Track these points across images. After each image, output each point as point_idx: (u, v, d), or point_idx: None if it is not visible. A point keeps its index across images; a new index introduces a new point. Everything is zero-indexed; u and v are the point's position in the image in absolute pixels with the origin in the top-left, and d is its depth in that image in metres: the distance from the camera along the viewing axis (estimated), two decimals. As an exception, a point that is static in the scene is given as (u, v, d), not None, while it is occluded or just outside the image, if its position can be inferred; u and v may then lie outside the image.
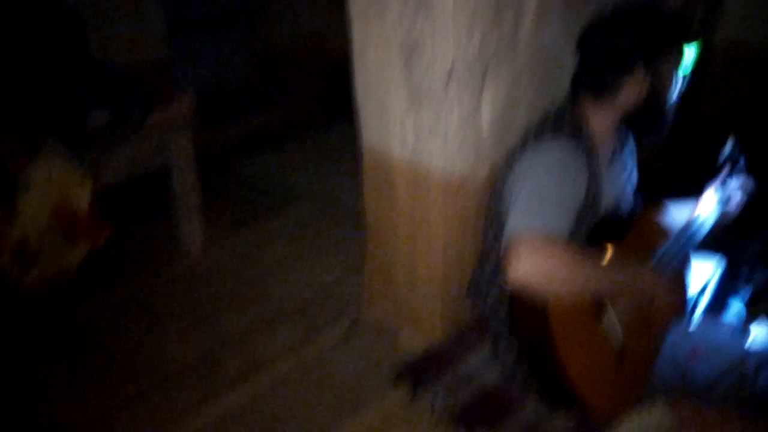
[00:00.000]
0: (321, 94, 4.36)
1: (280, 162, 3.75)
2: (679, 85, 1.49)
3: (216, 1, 4.42)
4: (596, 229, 1.47)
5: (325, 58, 4.27)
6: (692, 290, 1.68)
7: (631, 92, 1.45)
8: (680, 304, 1.58)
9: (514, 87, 1.74)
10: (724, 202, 1.67)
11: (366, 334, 2.12)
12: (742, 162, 1.73)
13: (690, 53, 1.46)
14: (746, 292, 1.90)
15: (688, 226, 1.54)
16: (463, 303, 1.91)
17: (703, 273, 1.77)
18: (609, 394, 1.40)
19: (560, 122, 1.48)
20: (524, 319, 1.36)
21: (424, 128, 1.67)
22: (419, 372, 1.76)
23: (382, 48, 1.66)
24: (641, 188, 1.77)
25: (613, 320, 1.39)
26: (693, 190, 1.74)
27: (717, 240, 2.52)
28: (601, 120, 1.50)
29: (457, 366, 1.80)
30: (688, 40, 1.45)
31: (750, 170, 1.75)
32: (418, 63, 1.59)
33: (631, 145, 1.70)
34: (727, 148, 1.73)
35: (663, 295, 1.41)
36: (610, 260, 1.37)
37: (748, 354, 1.48)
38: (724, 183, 1.70)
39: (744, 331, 1.70)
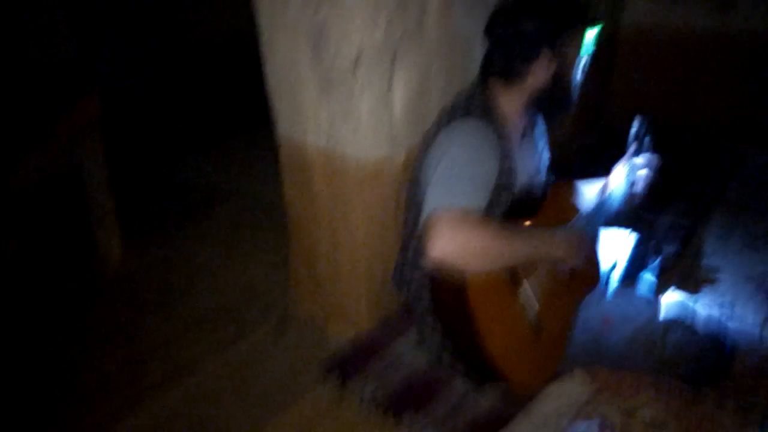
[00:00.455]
0: (247, 93, 4.28)
1: (205, 164, 3.65)
2: (582, 66, 1.54)
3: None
4: (511, 206, 1.50)
5: (250, 56, 4.18)
6: (605, 263, 1.74)
7: (538, 75, 1.48)
8: (593, 275, 1.64)
9: (425, 72, 1.75)
10: (632, 178, 1.74)
11: (294, 330, 2.09)
12: (648, 140, 1.81)
13: (591, 34, 1.51)
14: (656, 263, 1.99)
15: (597, 201, 1.59)
16: (388, 291, 1.91)
17: (615, 246, 1.85)
18: (529, 366, 1.43)
19: (471, 105, 1.50)
20: (444, 298, 1.37)
21: (336, 116, 1.66)
22: (347, 363, 1.76)
23: (289, 35, 1.64)
24: (555, 168, 1.82)
25: (528, 293, 1.42)
26: (604, 169, 1.80)
27: (628, 215, 2.65)
28: (510, 102, 1.53)
29: (385, 354, 1.80)
30: (590, 22, 1.50)
31: (657, 148, 1.83)
32: (325, 49, 1.57)
33: (540, 126, 1.75)
34: (634, 127, 1.80)
35: (577, 255, 1.45)
36: (526, 228, 1.40)
37: (656, 320, 1.55)
38: (631, 160, 1.77)
39: (654, 300, 1.79)
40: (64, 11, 3.15)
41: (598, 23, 1.51)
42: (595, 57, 3.00)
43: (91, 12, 3.91)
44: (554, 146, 3.18)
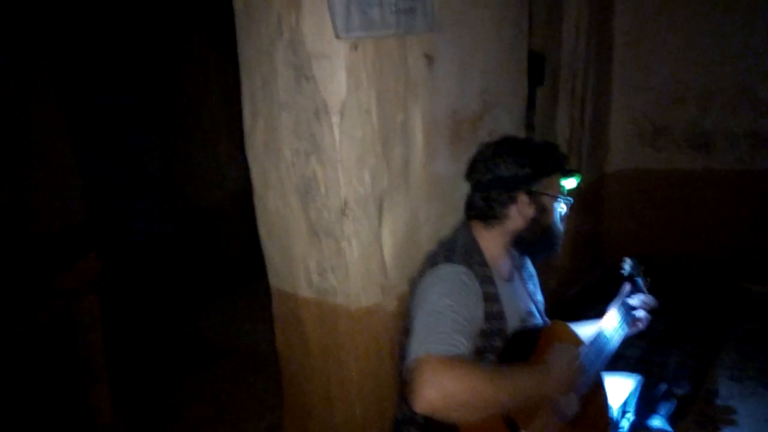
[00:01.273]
0: (247, 251, 4.37)
1: (204, 319, 3.63)
2: (562, 212, 1.59)
3: (140, 167, 4.52)
4: (504, 351, 1.45)
5: (251, 215, 4.34)
6: (613, 407, 1.65)
7: (516, 218, 1.53)
8: (602, 423, 1.54)
9: (412, 218, 1.80)
10: (627, 320, 1.70)
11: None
12: (641, 281, 1.80)
13: (571, 183, 1.58)
14: (669, 408, 1.88)
15: (590, 343, 1.54)
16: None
17: (622, 391, 1.76)
18: None
19: (453, 249, 1.52)
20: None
21: (325, 266, 1.67)
22: None
23: (279, 190, 1.71)
24: (554, 310, 1.79)
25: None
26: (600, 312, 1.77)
27: (634, 359, 2.56)
28: (492, 244, 1.56)
29: None
30: (565, 169, 1.57)
31: (652, 289, 1.81)
32: (313, 203, 1.63)
33: (529, 268, 1.76)
34: (624, 268, 1.81)
35: (568, 386, 1.36)
36: (512, 370, 1.33)
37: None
38: (624, 301, 1.74)
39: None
40: (78, 177, 3.33)
41: (575, 174, 1.58)
42: (586, 200, 3.11)
43: (108, 179, 4.13)
44: (554, 287, 3.19)
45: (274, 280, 1.85)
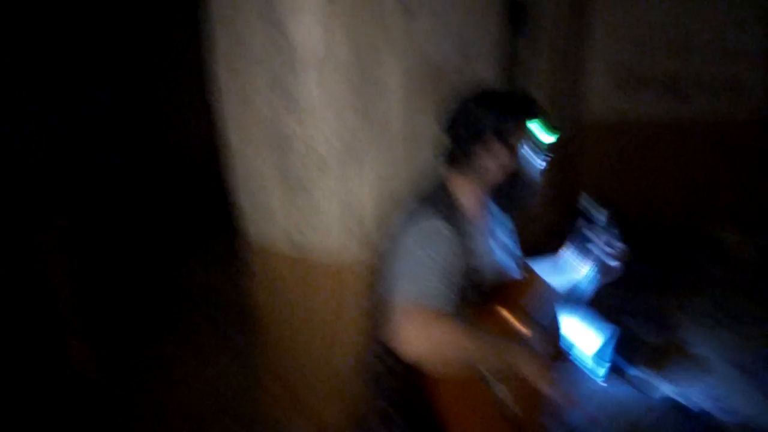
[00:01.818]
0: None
1: (180, 270, 3.64)
2: (539, 164, 1.59)
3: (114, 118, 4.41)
4: (482, 298, 1.48)
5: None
6: (586, 354, 1.70)
7: (492, 166, 1.52)
8: (555, 357, 1.59)
9: (392, 173, 1.80)
10: (597, 268, 1.73)
11: (261, 430, 1.99)
12: (615, 231, 1.82)
13: (548, 138, 1.57)
14: (643, 353, 1.95)
15: (560, 293, 1.58)
16: (360, 391, 1.84)
17: (596, 338, 1.81)
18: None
19: (431, 199, 1.52)
20: (416, 397, 1.32)
21: (305, 220, 1.67)
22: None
23: (255, 146, 1.69)
24: (528, 257, 1.82)
25: (504, 389, 1.37)
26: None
27: (608, 307, 2.63)
28: (469, 194, 1.56)
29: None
30: (542, 122, 1.57)
31: (623, 238, 1.84)
32: (290, 158, 1.62)
33: (506, 220, 1.77)
34: (594, 213, 1.83)
35: (538, 374, 1.40)
36: (493, 338, 1.36)
37: (642, 414, 1.49)
38: (583, 235, 1.77)
39: (641, 395, 1.73)
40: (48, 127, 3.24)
41: (553, 128, 1.58)
42: (565, 149, 3.11)
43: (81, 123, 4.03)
44: (530, 233, 3.23)
45: (252, 234, 1.85)
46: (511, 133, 1.50)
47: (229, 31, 1.62)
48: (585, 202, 1.78)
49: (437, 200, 1.53)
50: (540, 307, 1.51)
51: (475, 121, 1.50)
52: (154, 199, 4.51)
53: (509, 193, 1.55)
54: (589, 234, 1.77)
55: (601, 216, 1.82)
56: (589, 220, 1.78)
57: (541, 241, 3.37)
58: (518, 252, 1.79)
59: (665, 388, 1.96)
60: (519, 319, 1.47)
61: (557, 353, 1.60)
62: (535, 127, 1.55)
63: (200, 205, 4.42)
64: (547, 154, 1.59)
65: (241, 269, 1.95)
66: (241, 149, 1.75)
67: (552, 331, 1.58)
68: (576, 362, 1.63)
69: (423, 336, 1.22)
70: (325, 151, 1.57)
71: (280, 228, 1.74)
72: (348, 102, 1.60)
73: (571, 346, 1.64)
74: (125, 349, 2.69)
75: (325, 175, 1.59)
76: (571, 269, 1.67)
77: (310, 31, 1.47)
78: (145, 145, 4.57)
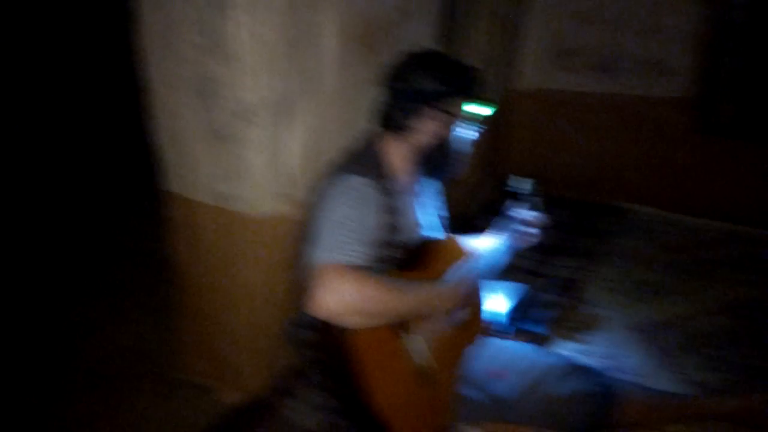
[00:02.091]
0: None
1: (108, 221, 3.49)
2: (471, 133, 1.60)
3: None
4: (400, 261, 1.50)
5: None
6: (496, 313, 1.77)
7: (424, 132, 1.53)
8: (479, 325, 1.66)
9: (322, 126, 1.77)
10: (513, 232, 1.80)
11: (182, 394, 1.96)
12: (538, 200, 1.89)
13: (485, 111, 1.58)
14: (546, 314, 2.05)
15: (477, 255, 1.63)
16: (282, 349, 1.85)
17: (506, 299, 1.89)
18: (418, 419, 1.40)
19: (361, 158, 1.51)
20: (329, 354, 1.33)
21: (229, 170, 1.62)
22: (235, 429, 1.66)
23: (178, 90, 1.60)
24: (456, 224, 1.86)
25: (417, 344, 1.41)
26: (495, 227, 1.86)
27: (524, 270, 2.74)
28: (399, 156, 1.56)
29: (275, 418, 1.73)
30: (476, 91, 1.58)
31: (544, 207, 1.91)
32: (216, 104, 1.55)
33: (433, 184, 1.79)
34: (519, 185, 1.88)
35: (456, 305, 1.46)
36: (409, 282, 1.39)
37: (542, 370, 1.57)
38: (510, 217, 1.83)
39: (544, 351, 1.83)
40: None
41: (491, 104, 1.59)
42: (494, 117, 3.15)
43: None
44: (459, 202, 3.29)
45: (171, 185, 1.78)
46: (451, 102, 1.50)
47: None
48: (512, 182, 1.83)
49: (365, 158, 1.52)
50: (459, 270, 1.55)
51: (416, 85, 1.49)
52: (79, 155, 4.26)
53: (438, 159, 1.56)
54: (513, 209, 1.83)
55: (525, 185, 1.87)
56: (515, 199, 1.83)
57: (467, 204, 3.48)
58: (444, 215, 1.81)
59: (568, 347, 2.08)
60: (438, 281, 1.51)
61: (477, 320, 1.66)
62: (474, 99, 1.56)
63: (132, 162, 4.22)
64: (481, 126, 1.61)
65: (165, 223, 1.87)
66: (163, 94, 1.66)
67: (473, 297, 1.63)
68: (488, 321, 1.69)
69: (337, 292, 1.22)
70: (253, 100, 1.51)
71: (203, 178, 1.68)
72: (279, 50, 1.54)
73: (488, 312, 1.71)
74: (49, 314, 2.57)
75: (251, 125, 1.53)
76: (491, 240, 1.73)
77: (241, -30, 1.39)
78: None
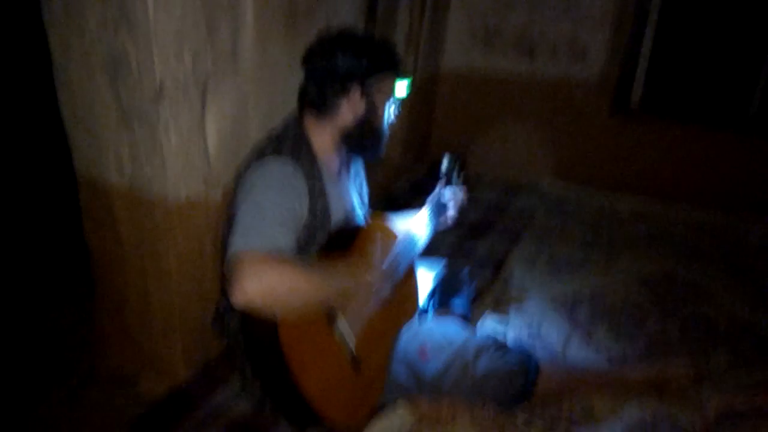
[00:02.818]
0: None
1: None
2: (392, 112, 1.60)
3: None
4: (327, 243, 1.49)
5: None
6: (421, 293, 1.80)
7: (348, 111, 1.51)
8: (410, 306, 1.68)
9: (241, 104, 1.71)
10: (437, 211, 1.82)
11: (102, 386, 1.87)
12: (456, 175, 1.92)
13: (402, 85, 1.59)
14: (470, 290, 2.10)
15: (404, 236, 1.64)
16: (208, 338, 1.80)
17: (430, 276, 1.92)
18: (349, 404, 1.41)
19: (282, 141, 1.48)
20: (256, 341, 1.31)
21: (139, 152, 1.54)
22: (161, 418, 1.61)
23: (84, 66, 1.50)
24: (382, 203, 1.86)
25: (345, 328, 1.40)
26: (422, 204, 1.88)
27: (445, 247, 2.80)
28: (323, 137, 1.54)
29: (204, 405, 1.69)
30: (400, 73, 1.58)
31: (465, 182, 1.94)
32: (124, 82, 1.46)
33: (358, 164, 1.78)
34: (443, 164, 1.91)
35: (382, 286, 1.47)
36: (331, 266, 1.38)
37: (464, 346, 1.61)
38: (438, 193, 1.86)
39: (468, 326, 1.88)
40: None
41: (408, 76, 1.60)
42: (419, 96, 3.18)
43: None
44: (383, 181, 3.31)
45: (81, 167, 1.68)
46: (372, 83, 1.50)
47: None
48: (446, 163, 1.86)
49: (287, 138, 1.49)
50: (385, 252, 1.55)
51: (337, 67, 1.47)
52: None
53: (362, 139, 1.56)
54: (438, 189, 1.86)
55: (445, 160, 1.90)
56: (438, 177, 1.86)
57: (392, 183, 3.50)
58: (366, 196, 1.81)
59: (488, 323, 2.14)
60: (363, 263, 1.51)
61: (410, 300, 1.67)
62: (394, 78, 1.56)
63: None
64: (400, 106, 1.62)
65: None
66: (69, 70, 1.55)
67: (407, 280, 1.64)
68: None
69: (251, 280, 1.17)
70: (163, 77, 1.44)
71: (114, 161, 1.58)
72: (191, 22, 1.47)
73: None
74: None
75: (163, 101, 1.46)
76: (417, 220, 1.74)
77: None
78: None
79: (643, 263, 2.79)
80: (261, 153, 1.45)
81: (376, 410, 1.56)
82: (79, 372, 1.94)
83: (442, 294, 1.92)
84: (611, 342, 2.13)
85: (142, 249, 1.68)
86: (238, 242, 1.25)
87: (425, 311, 1.86)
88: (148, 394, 1.80)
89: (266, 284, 1.19)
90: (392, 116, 1.61)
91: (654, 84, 3.79)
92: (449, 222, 1.89)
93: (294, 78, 1.68)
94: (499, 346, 1.65)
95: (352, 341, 1.42)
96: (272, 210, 1.31)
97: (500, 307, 2.30)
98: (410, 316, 1.66)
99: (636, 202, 3.59)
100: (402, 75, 1.59)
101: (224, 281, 1.56)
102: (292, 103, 1.65)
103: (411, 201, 3.20)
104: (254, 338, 1.32)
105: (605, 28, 3.53)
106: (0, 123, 3.47)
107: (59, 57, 1.56)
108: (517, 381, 1.61)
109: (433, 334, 1.66)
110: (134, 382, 1.85)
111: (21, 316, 2.27)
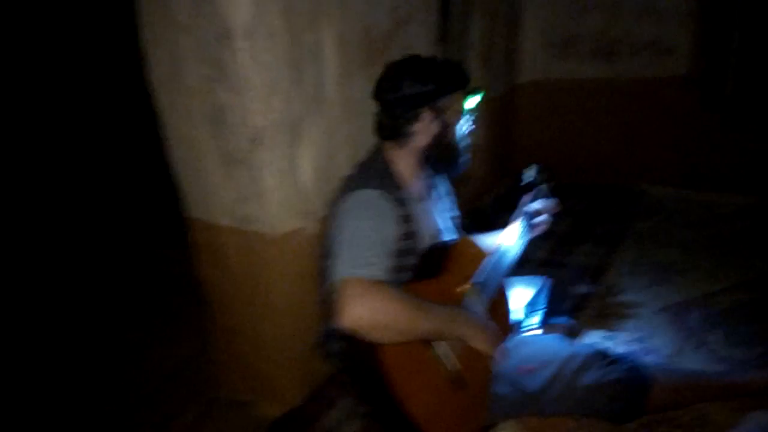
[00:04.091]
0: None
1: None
2: (467, 127, 1.64)
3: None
4: (418, 266, 1.53)
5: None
6: (518, 308, 1.79)
7: (423, 135, 1.57)
8: (505, 326, 1.67)
9: (330, 142, 1.81)
10: (528, 224, 1.82)
11: (224, 412, 2.00)
12: (544, 187, 1.91)
13: (473, 101, 1.62)
14: (570, 304, 2.07)
15: (496, 253, 1.65)
16: (316, 363, 1.88)
17: (528, 292, 1.91)
18: (454, 423, 1.42)
19: (368, 172, 1.55)
20: (360, 364, 1.36)
21: (243, 194, 1.66)
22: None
23: (188, 119, 1.65)
24: (471, 221, 1.88)
25: (445, 349, 1.43)
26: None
27: (539, 260, 2.75)
28: (404, 163, 1.60)
29: (318, 425, 1.76)
30: (466, 86, 1.61)
31: (554, 193, 1.92)
32: (223, 131, 1.60)
33: (443, 185, 1.82)
34: (529, 175, 1.91)
35: (477, 337, 1.46)
36: (430, 304, 1.40)
37: (569, 360, 1.59)
38: (526, 208, 1.85)
39: (572, 342, 1.84)
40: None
41: (479, 91, 1.63)
42: (498, 110, 3.17)
43: None
44: (470, 197, 3.32)
45: (192, 211, 1.83)
46: (442, 104, 1.54)
47: (155, -1, 1.57)
48: (524, 174, 1.86)
49: (372, 169, 1.56)
50: (480, 270, 1.57)
51: (405, 96, 1.53)
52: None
53: (442, 157, 1.60)
54: (523, 201, 1.85)
55: (531, 172, 1.90)
56: (525, 190, 1.85)
57: (478, 199, 3.50)
58: (456, 215, 1.84)
59: (595, 335, 2.09)
60: (458, 282, 1.53)
61: (505, 319, 1.67)
62: (464, 95, 1.60)
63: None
64: (475, 115, 1.64)
65: (191, 248, 1.92)
66: (177, 125, 1.71)
67: (498, 296, 1.65)
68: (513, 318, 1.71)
69: (360, 306, 1.24)
70: (262, 123, 1.56)
71: (221, 202, 1.72)
72: (281, 71, 1.58)
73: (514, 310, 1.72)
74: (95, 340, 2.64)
75: (260, 146, 1.58)
76: (508, 234, 1.75)
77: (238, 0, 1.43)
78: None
79: (752, 263, 2.63)
80: (350, 185, 1.53)
81: (483, 429, 1.56)
82: (201, 399, 2.09)
83: (545, 311, 1.90)
84: (726, 348, 2.02)
85: (250, 281, 1.80)
86: (342, 270, 1.32)
87: (529, 327, 1.85)
88: (265, 418, 1.91)
89: (371, 310, 1.25)
90: (468, 130, 1.64)
91: (745, 76, 3.57)
92: (539, 232, 1.87)
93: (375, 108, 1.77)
94: (606, 359, 1.61)
95: (454, 362, 1.44)
96: (369, 238, 1.37)
97: (605, 318, 2.24)
98: (506, 334, 1.66)
99: (736, 197, 3.38)
100: (471, 91, 1.62)
101: (325, 307, 1.64)
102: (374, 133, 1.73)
103: (499, 215, 3.18)
104: (357, 362, 1.38)
105: (686, 23, 3.40)
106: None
107: (168, 114, 1.72)
108: (627, 395, 1.56)
109: (537, 349, 1.65)
110: (252, 407, 1.97)
111: (140, 349, 2.48)
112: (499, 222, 1.89)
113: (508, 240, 1.73)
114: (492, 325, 1.51)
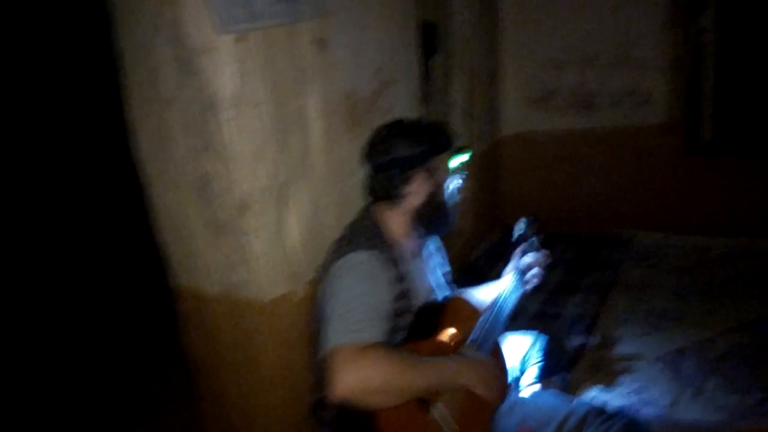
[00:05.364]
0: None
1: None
2: (458, 186, 1.66)
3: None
4: (411, 327, 1.51)
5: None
6: (513, 365, 1.76)
7: (415, 196, 1.58)
8: (503, 385, 1.64)
9: (316, 206, 1.82)
10: (520, 278, 1.82)
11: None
12: (534, 240, 1.91)
13: (463, 158, 1.65)
14: (566, 358, 2.04)
15: (489, 309, 1.64)
16: (307, 430, 1.83)
17: (522, 347, 1.88)
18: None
19: (359, 234, 1.55)
20: (356, 428, 1.33)
21: (230, 262, 1.66)
22: None
23: (175, 188, 1.66)
24: (462, 275, 1.88)
25: (443, 413, 1.40)
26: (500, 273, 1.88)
27: (532, 313, 2.74)
28: (396, 223, 1.61)
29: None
30: (456, 146, 1.64)
31: (545, 245, 1.93)
32: (211, 200, 1.60)
33: (433, 243, 1.82)
34: (519, 228, 1.92)
35: (482, 382, 1.45)
36: (427, 358, 1.39)
37: (567, 418, 1.56)
38: (518, 261, 1.85)
39: (569, 398, 1.81)
40: None
41: (467, 150, 1.66)
42: (483, 165, 3.21)
43: None
44: (460, 252, 3.32)
45: (178, 279, 1.81)
46: (431, 165, 1.57)
47: (141, 70, 1.60)
48: (521, 226, 1.87)
49: (363, 229, 1.57)
50: (476, 327, 1.56)
51: (396, 159, 1.55)
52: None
53: (434, 216, 1.62)
54: (516, 253, 1.86)
55: (521, 225, 1.91)
56: (516, 243, 1.86)
57: (467, 254, 3.50)
58: (447, 268, 1.84)
59: (591, 388, 2.06)
60: (454, 341, 1.52)
61: (502, 378, 1.65)
62: (450, 150, 1.63)
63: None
64: (463, 173, 1.67)
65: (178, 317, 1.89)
66: (164, 193, 1.72)
67: (494, 353, 1.63)
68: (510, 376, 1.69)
69: (352, 375, 1.23)
70: (246, 189, 1.57)
71: (210, 270, 1.71)
72: (267, 139, 1.61)
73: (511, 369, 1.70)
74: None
75: (246, 213, 1.58)
76: (500, 289, 1.74)
77: (220, 71, 1.46)
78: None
79: (744, 306, 2.62)
80: (341, 248, 1.53)
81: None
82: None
83: (543, 364, 1.88)
84: (723, 395, 1.99)
85: (237, 349, 1.77)
86: (333, 338, 1.30)
87: (519, 381, 1.82)
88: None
89: (363, 378, 1.23)
90: (457, 189, 1.66)
91: (723, 121, 3.68)
92: (532, 285, 1.87)
93: (360, 171, 1.79)
94: (604, 415, 1.58)
95: (451, 424, 1.41)
96: (362, 303, 1.36)
97: (600, 371, 2.21)
98: (504, 394, 1.63)
99: (725, 240, 3.40)
100: (460, 151, 1.66)
101: (317, 374, 1.61)
102: (361, 195, 1.74)
103: (489, 268, 3.18)
104: (351, 430, 1.35)
105: (665, 74, 3.51)
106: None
107: (153, 182, 1.73)
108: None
109: (534, 408, 1.61)
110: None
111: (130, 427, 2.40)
112: (490, 274, 1.89)
113: (502, 295, 1.73)
114: (490, 360, 1.49)
